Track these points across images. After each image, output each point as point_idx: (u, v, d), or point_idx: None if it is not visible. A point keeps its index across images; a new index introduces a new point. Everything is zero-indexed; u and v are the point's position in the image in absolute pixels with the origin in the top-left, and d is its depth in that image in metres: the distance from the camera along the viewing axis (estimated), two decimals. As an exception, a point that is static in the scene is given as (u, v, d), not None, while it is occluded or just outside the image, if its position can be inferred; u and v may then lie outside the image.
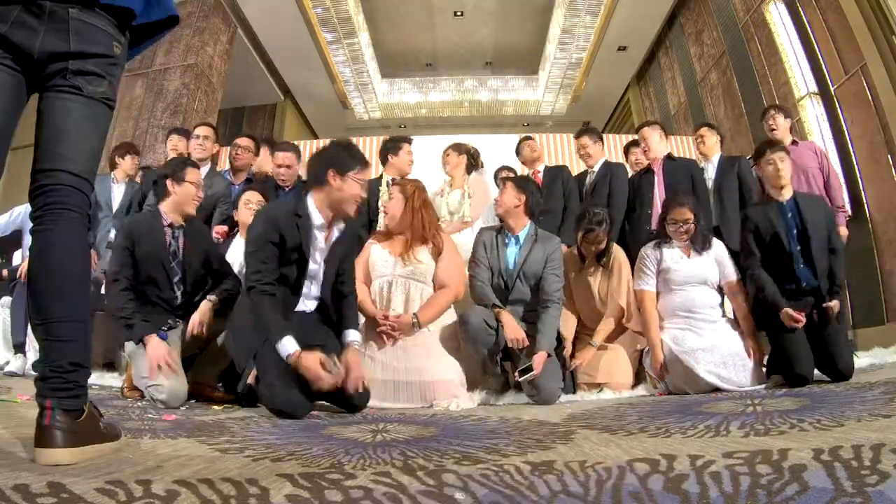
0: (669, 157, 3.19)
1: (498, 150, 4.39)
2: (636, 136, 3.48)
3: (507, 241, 2.51)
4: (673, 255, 2.48)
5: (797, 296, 2.31)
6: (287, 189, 3.17)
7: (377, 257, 2.41)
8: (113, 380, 2.80)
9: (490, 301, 2.35)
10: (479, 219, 3.10)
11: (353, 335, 1.99)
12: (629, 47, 7.65)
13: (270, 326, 1.83)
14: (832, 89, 4.26)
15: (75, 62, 1.02)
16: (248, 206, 2.68)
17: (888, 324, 3.67)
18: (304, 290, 1.99)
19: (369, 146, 5.33)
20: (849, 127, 4.12)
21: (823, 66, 4.35)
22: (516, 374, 2.21)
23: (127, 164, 3.59)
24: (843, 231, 3.00)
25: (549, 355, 2.24)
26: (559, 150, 5.83)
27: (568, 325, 2.60)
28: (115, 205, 3.48)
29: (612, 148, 5.59)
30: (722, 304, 2.53)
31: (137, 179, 3.64)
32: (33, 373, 1.00)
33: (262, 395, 1.86)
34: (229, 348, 2.02)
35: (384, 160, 3.17)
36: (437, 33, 8.04)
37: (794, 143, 3.24)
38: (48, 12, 0.99)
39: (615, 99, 9.09)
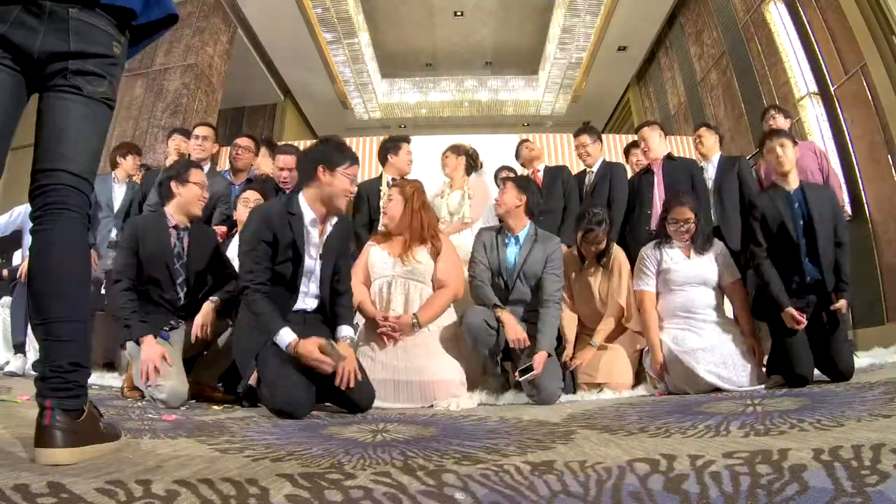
0: (669, 157, 3.19)
1: (498, 150, 4.40)
2: (636, 137, 3.48)
3: (506, 241, 2.51)
4: (673, 256, 2.48)
5: (801, 292, 2.27)
6: (288, 192, 3.17)
7: (376, 258, 2.41)
8: (113, 380, 2.80)
9: (490, 301, 2.36)
10: (478, 219, 3.10)
11: (345, 331, 2.00)
12: (629, 47, 7.65)
13: (267, 321, 1.85)
14: (832, 89, 4.26)
15: (75, 62, 1.02)
16: (247, 205, 2.68)
17: (888, 324, 3.67)
18: (303, 287, 1.99)
19: (369, 146, 5.34)
20: (849, 127, 4.12)
21: (823, 66, 4.35)
22: (517, 373, 2.21)
23: (128, 164, 3.59)
24: None
25: (549, 355, 2.24)
26: (559, 150, 5.83)
27: (570, 326, 2.60)
28: (117, 205, 3.48)
29: (612, 148, 5.59)
30: (722, 305, 2.53)
31: (137, 179, 3.64)
32: (33, 373, 1.00)
33: (262, 396, 1.86)
34: (234, 352, 2.02)
35: (383, 160, 3.17)
36: (437, 33, 8.04)
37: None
38: (48, 12, 0.99)
39: (615, 99, 9.10)
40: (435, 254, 2.40)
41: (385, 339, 2.25)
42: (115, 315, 3.39)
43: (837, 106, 4.21)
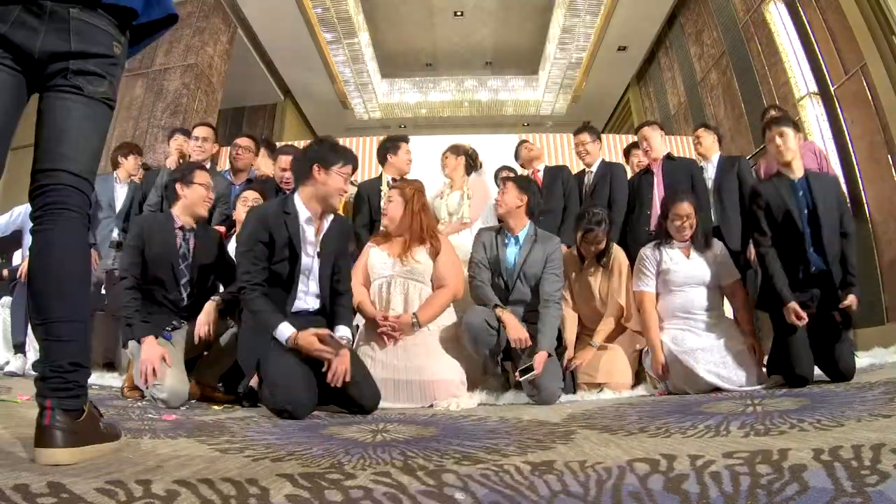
0: (669, 157, 3.18)
1: (498, 150, 4.40)
2: (636, 138, 3.48)
3: (506, 241, 2.51)
4: (672, 256, 2.47)
5: (805, 283, 2.22)
6: (289, 192, 3.16)
7: (376, 259, 2.42)
8: (113, 380, 2.80)
9: (491, 301, 2.36)
10: (478, 219, 3.10)
11: (342, 331, 2.01)
12: (629, 47, 7.65)
13: (266, 318, 1.87)
14: (832, 89, 4.26)
15: (76, 62, 1.02)
16: (246, 204, 2.68)
17: (888, 324, 3.66)
18: (301, 286, 2.00)
19: (369, 146, 5.34)
20: (849, 127, 4.12)
21: (823, 66, 4.35)
22: (517, 374, 2.21)
23: (129, 164, 3.59)
24: None
25: (549, 355, 2.24)
26: (559, 150, 5.83)
27: (570, 326, 2.60)
28: (118, 205, 3.49)
29: (611, 148, 5.59)
30: (721, 305, 2.53)
31: (138, 179, 3.64)
32: (33, 373, 1.00)
33: (263, 396, 1.86)
34: (238, 353, 2.03)
35: (383, 160, 3.17)
36: (437, 33, 8.04)
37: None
38: (49, 12, 0.99)
39: (615, 99, 9.09)
40: (434, 254, 2.41)
41: (385, 338, 2.25)
42: (115, 315, 3.41)
43: (837, 106, 4.21)
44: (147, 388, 1.99)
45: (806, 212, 2.24)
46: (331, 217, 2.06)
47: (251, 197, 2.73)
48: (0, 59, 0.97)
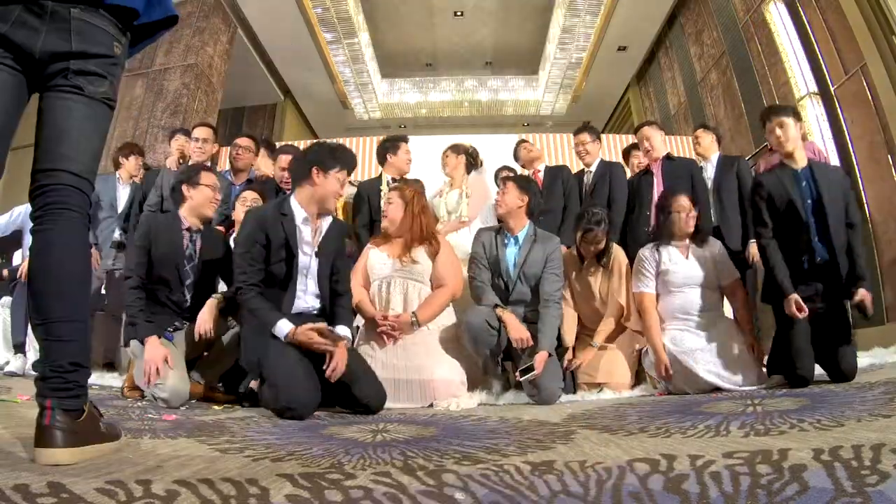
0: (668, 157, 3.18)
1: (498, 150, 4.39)
2: (635, 138, 3.47)
3: (506, 241, 2.51)
4: (672, 256, 2.47)
5: (811, 274, 2.17)
6: (287, 194, 3.16)
7: (375, 260, 2.43)
8: (113, 380, 2.81)
9: (492, 302, 2.36)
10: (476, 218, 3.10)
11: (342, 331, 2.01)
12: (629, 47, 7.64)
13: (263, 316, 1.89)
14: (832, 89, 4.26)
15: (77, 62, 1.02)
16: (244, 204, 2.69)
17: (888, 324, 3.66)
18: (300, 286, 2.02)
19: (369, 146, 5.34)
20: (849, 127, 4.12)
21: (823, 66, 4.35)
22: (517, 373, 2.21)
23: (130, 164, 3.58)
24: None
25: (549, 355, 2.24)
26: (559, 150, 5.83)
27: (570, 327, 2.60)
28: (121, 206, 3.49)
29: (612, 148, 5.59)
30: (721, 305, 2.52)
31: (138, 179, 3.64)
32: (33, 373, 1.00)
33: (263, 397, 1.86)
34: (241, 355, 2.03)
35: (382, 160, 3.18)
36: (437, 33, 8.04)
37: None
38: (49, 12, 0.99)
39: (615, 99, 9.09)
40: (433, 254, 2.42)
41: (385, 338, 2.25)
42: (116, 315, 3.41)
43: (837, 106, 4.21)
44: (149, 387, 1.99)
45: (810, 202, 2.19)
46: (328, 219, 2.09)
47: (250, 197, 2.73)
48: (1, 59, 0.97)
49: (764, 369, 2.29)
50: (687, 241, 2.50)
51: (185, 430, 1.39)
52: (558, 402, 2.19)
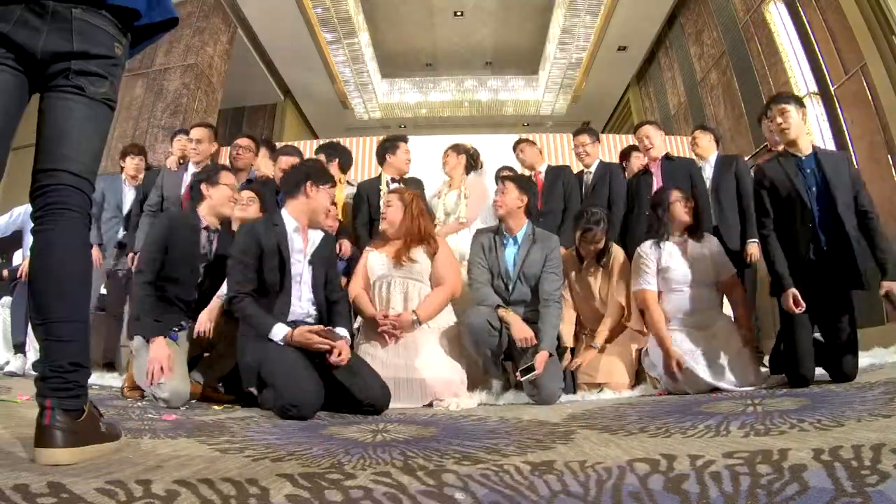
0: (668, 157, 3.18)
1: (498, 150, 4.38)
2: (635, 138, 3.46)
3: (504, 241, 2.51)
4: (671, 253, 2.45)
5: (816, 265, 2.10)
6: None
7: (374, 261, 2.44)
8: (113, 380, 2.81)
9: (493, 302, 2.36)
10: (476, 219, 3.10)
11: (340, 331, 2.02)
12: (629, 47, 7.64)
13: (259, 321, 1.93)
14: (832, 89, 4.26)
15: (78, 62, 1.02)
16: (240, 203, 2.68)
17: (888, 324, 3.65)
18: (294, 292, 2.05)
19: (369, 146, 5.33)
20: (849, 127, 4.11)
21: (823, 66, 4.35)
22: (518, 373, 2.21)
23: (129, 165, 3.58)
24: None
25: (550, 355, 2.24)
26: (559, 150, 5.83)
27: (569, 328, 2.59)
28: (126, 206, 3.50)
29: (612, 148, 5.59)
30: (721, 304, 2.52)
31: (138, 180, 3.64)
32: (33, 373, 1.00)
33: (267, 400, 1.86)
34: (241, 371, 2.03)
35: (382, 160, 3.18)
36: (437, 33, 8.03)
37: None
38: (51, 12, 0.99)
39: (615, 99, 9.09)
40: (431, 253, 2.44)
41: (386, 337, 2.26)
42: (116, 315, 3.41)
43: (837, 106, 4.21)
44: (149, 387, 1.99)
45: (814, 189, 2.12)
46: (319, 232, 2.18)
47: (246, 196, 2.72)
48: (2, 59, 0.97)
49: (763, 369, 2.29)
50: (685, 236, 2.49)
51: (185, 430, 1.39)
52: (558, 402, 2.19)
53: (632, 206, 3.14)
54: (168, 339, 2.09)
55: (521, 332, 2.25)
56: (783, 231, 2.18)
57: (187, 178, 3.17)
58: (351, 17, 7.15)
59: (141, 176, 3.60)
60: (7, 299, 3.18)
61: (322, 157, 3.18)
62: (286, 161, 3.22)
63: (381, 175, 3.19)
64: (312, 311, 2.09)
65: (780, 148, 2.36)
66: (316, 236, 2.16)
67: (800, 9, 4.59)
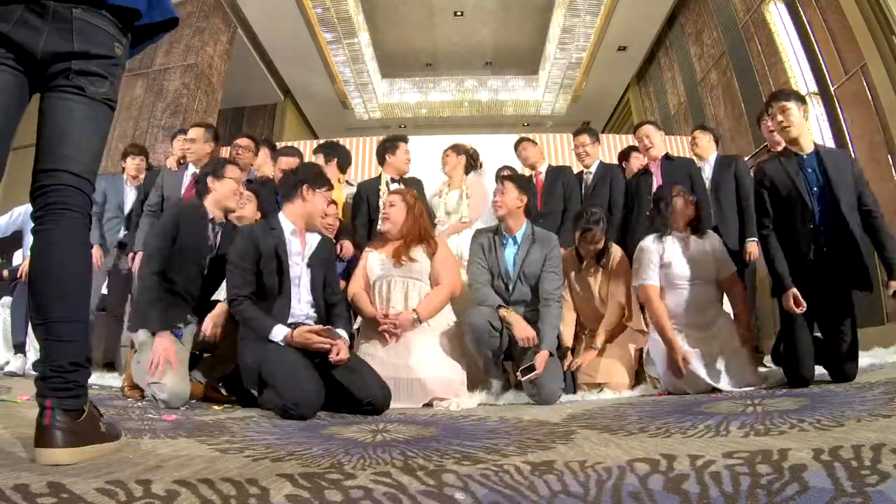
0: (667, 157, 3.18)
1: (498, 150, 4.38)
2: (634, 138, 3.46)
3: (504, 241, 2.51)
4: (673, 248, 2.44)
5: (816, 265, 2.08)
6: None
7: (374, 262, 2.45)
8: (113, 380, 2.81)
9: (494, 303, 2.36)
10: (478, 219, 3.10)
11: (340, 333, 2.03)
12: (629, 47, 7.64)
13: (258, 324, 1.93)
14: (832, 89, 4.26)
15: (78, 62, 1.02)
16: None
17: (888, 324, 3.66)
18: (293, 295, 2.05)
19: (369, 146, 5.33)
20: (849, 127, 4.11)
21: (823, 66, 4.35)
22: (518, 373, 2.21)
23: (129, 166, 3.58)
24: None
25: (550, 355, 2.24)
26: (559, 150, 5.83)
27: (569, 328, 2.59)
28: (128, 207, 3.50)
29: (612, 148, 5.58)
30: (721, 302, 2.52)
31: (139, 181, 3.64)
32: (33, 373, 1.00)
33: (267, 401, 1.86)
34: (242, 374, 2.03)
35: (381, 160, 3.18)
36: (437, 33, 8.03)
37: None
38: (51, 12, 0.99)
39: (615, 99, 9.09)
40: (430, 253, 2.45)
41: (387, 336, 2.26)
42: (116, 314, 3.41)
43: (837, 106, 4.21)
44: (149, 386, 1.99)
45: (816, 189, 2.09)
46: (316, 235, 2.19)
47: (244, 195, 2.72)
48: (2, 59, 0.97)
49: (763, 369, 2.28)
50: (687, 231, 2.49)
51: (185, 430, 1.39)
52: (558, 402, 2.19)
53: (631, 206, 3.14)
54: (173, 336, 2.09)
55: (523, 331, 2.25)
56: (783, 231, 2.15)
57: (187, 179, 3.17)
58: (351, 17, 7.15)
59: (142, 176, 3.59)
60: (7, 299, 3.18)
61: (321, 156, 3.19)
62: (286, 162, 3.22)
63: (380, 175, 3.19)
64: (311, 313, 2.10)
65: (781, 148, 2.36)
66: (313, 239, 2.17)
67: (800, 9, 4.59)
